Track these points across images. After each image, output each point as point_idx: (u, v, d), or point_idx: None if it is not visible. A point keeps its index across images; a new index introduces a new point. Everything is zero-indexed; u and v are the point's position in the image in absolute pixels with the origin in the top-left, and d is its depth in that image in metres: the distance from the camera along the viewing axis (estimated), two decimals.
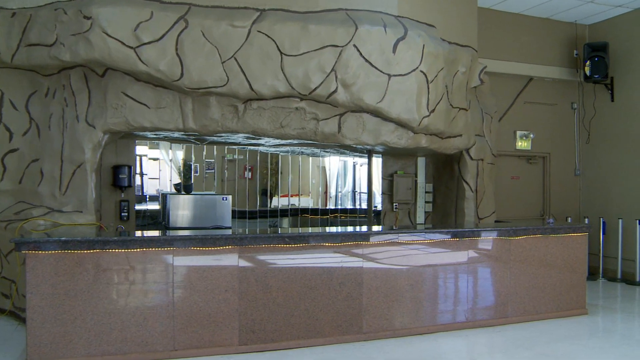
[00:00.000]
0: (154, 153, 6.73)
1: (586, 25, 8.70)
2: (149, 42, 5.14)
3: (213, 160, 7.07)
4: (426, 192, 7.77)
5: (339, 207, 8.15)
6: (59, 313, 3.99)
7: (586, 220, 8.28)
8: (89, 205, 5.45)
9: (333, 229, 5.50)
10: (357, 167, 8.15)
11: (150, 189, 6.67)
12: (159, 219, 6.58)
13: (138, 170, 6.55)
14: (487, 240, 5.40)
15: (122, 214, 6.26)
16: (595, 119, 8.61)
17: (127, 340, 4.12)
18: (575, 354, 4.60)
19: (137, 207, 6.47)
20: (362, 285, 4.77)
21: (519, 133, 8.39)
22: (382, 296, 4.85)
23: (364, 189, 7.80)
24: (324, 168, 8.36)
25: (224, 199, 6.29)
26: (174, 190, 6.74)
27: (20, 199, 5.58)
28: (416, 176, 7.69)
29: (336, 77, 5.51)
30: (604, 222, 8.18)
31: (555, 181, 8.68)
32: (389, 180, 7.61)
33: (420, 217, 7.75)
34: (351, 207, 8.12)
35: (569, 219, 8.35)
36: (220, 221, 6.23)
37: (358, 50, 5.54)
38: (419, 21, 6.17)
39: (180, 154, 6.95)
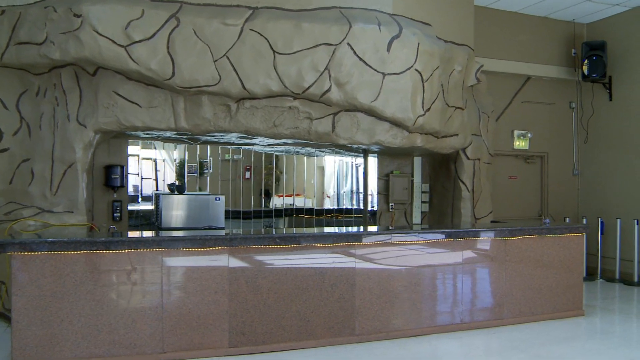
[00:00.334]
0: (151, 153, 6.67)
1: (584, 24, 8.64)
2: (140, 41, 5.08)
3: (207, 160, 7.02)
4: (422, 192, 7.70)
5: (336, 207, 8.08)
6: (46, 315, 3.93)
7: (584, 221, 8.22)
8: (79, 205, 5.39)
9: (326, 230, 5.43)
10: (359, 167, 8.09)
11: (147, 189, 6.61)
12: (153, 220, 6.53)
13: (136, 171, 6.49)
14: (483, 240, 5.34)
15: (115, 214, 6.20)
16: (593, 118, 8.54)
17: (116, 343, 4.06)
18: (571, 356, 4.54)
19: (133, 207, 6.42)
20: (354, 286, 4.71)
21: (516, 132, 8.33)
22: (375, 298, 4.79)
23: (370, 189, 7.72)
24: (322, 168, 8.31)
25: (217, 199, 6.23)
26: (167, 191, 6.68)
27: (10, 199, 5.51)
28: (412, 176, 7.63)
29: (330, 76, 5.45)
30: (602, 222, 8.12)
31: (553, 181, 8.62)
32: (384, 180, 7.55)
33: (416, 218, 7.68)
34: (349, 207, 8.07)
35: (567, 219, 8.28)
36: (213, 221, 6.17)
37: (352, 49, 5.48)
38: (414, 19, 6.10)
39: (177, 154, 6.89)
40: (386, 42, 5.59)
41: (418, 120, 5.86)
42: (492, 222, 7.01)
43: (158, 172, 6.70)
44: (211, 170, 7.03)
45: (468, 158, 7.06)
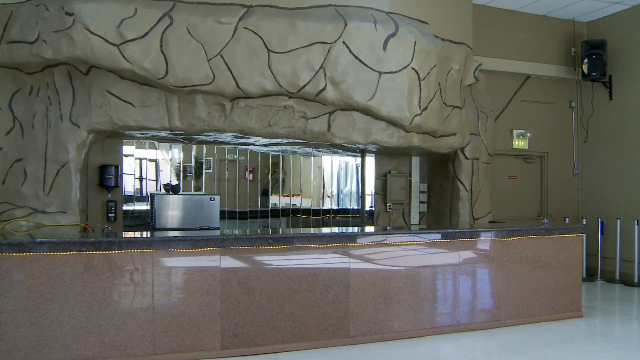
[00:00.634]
0: (152, 154, 6.63)
1: (584, 23, 8.56)
2: (133, 39, 5.03)
3: (204, 160, 6.97)
4: (421, 192, 7.64)
5: (334, 207, 8.02)
6: (34, 317, 3.87)
7: (584, 221, 8.13)
8: (72, 205, 5.34)
9: (320, 230, 5.37)
10: (360, 168, 8.02)
11: (150, 190, 6.56)
12: (148, 220, 6.47)
13: (138, 172, 6.45)
14: (480, 241, 5.27)
15: (109, 214, 6.15)
16: (593, 117, 8.46)
17: (106, 344, 4.01)
18: (568, 359, 4.47)
19: (130, 207, 6.38)
20: (349, 287, 4.65)
21: (515, 132, 8.26)
22: (370, 299, 4.73)
23: (367, 189, 7.65)
24: (321, 168, 8.24)
25: (212, 199, 6.17)
26: (163, 191, 6.63)
27: (3, 199, 5.46)
28: (410, 176, 7.56)
29: (325, 75, 5.39)
30: (602, 223, 8.04)
31: (553, 181, 8.54)
32: (382, 180, 7.49)
33: (414, 218, 7.62)
34: (348, 207, 8.00)
35: (567, 220, 8.20)
36: (208, 222, 6.12)
37: (347, 47, 5.42)
38: (411, 17, 6.04)
39: (177, 154, 6.84)
40: (382, 41, 5.54)
41: (415, 120, 5.80)
42: (490, 222, 6.94)
43: (160, 172, 6.66)
44: (211, 171, 6.98)
45: (466, 158, 6.99)
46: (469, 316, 5.17)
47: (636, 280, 7.60)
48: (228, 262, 4.31)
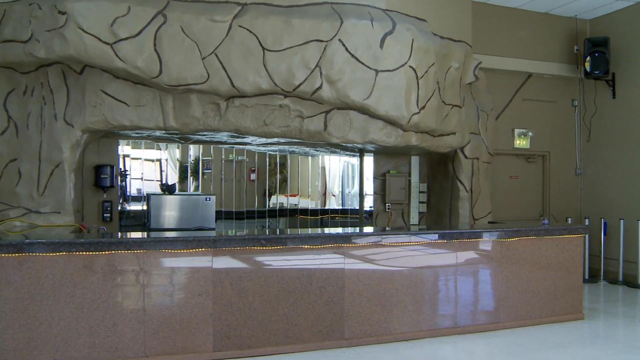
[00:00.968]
0: (154, 154, 6.62)
1: (587, 20, 8.44)
2: (126, 38, 4.99)
3: (202, 159, 6.94)
4: (420, 192, 7.56)
5: (331, 207, 7.95)
6: (24, 318, 3.83)
7: (587, 221, 8.02)
8: (67, 206, 5.31)
9: (314, 231, 5.30)
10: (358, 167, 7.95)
11: (151, 190, 6.54)
12: (145, 220, 6.43)
13: (140, 172, 6.43)
14: (478, 242, 5.18)
15: (105, 214, 6.11)
16: (596, 116, 8.34)
17: (96, 346, 3.96)
18: None
19: (129, 208, 6.35)
20: (343, 289, 4.58)
21: (517, 131, 8.15)
22: (365, 301, 4.65)
23: (366, 189, 7.58)
24: (323, 168, 8.20)
25: (207, 199, 6.12)
26: (159, 191, 6.59)
27: None
28: (410, 176, 7.48)
29: (321, 73, 5.33)
30: (605, 223, 7.91)
31: (555, 181, 8.43)
32: (381, 180, 7.41)
33: (414, 218, 7.54)
34: (349, 208, 7.95)
35: (570, 220, 8.09)
36: (204, 222, 6.07)
37: (344, 45, 5.36)
38: (409, 15, 5.97)
39: (178, 154, 6.83)
40: (379, 38, 5.47)
41: (413, 119, 5.72)
42: (490, 222, 6.84)
43: (162, 173, 6.63)
44: (211, 171, 6.95)
45: (466, 157, 6.90)
46: (467, 318, 5.08)
47: (639, 281, 7.47)
48: (220, 263, 4.25)
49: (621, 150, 7.99)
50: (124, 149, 6.49)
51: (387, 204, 7.33)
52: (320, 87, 5.36)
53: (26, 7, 5.05)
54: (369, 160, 7.44)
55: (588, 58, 7.88)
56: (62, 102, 5.30)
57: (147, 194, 6.41)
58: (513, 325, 5.24)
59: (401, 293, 4.79)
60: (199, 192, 6.69)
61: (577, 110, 8.59)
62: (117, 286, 4.03)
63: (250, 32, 5.18)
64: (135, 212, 6.44)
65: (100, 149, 6.19)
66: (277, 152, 7.51)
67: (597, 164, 8.38)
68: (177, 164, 6.79)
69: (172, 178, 6.69)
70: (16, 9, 5.06)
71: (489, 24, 7.76)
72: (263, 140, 6.28)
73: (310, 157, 7.85)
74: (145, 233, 4.79)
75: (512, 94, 8.16)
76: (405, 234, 4.91)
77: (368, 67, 5.44)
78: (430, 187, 7.53)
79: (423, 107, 5.80)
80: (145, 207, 6.41)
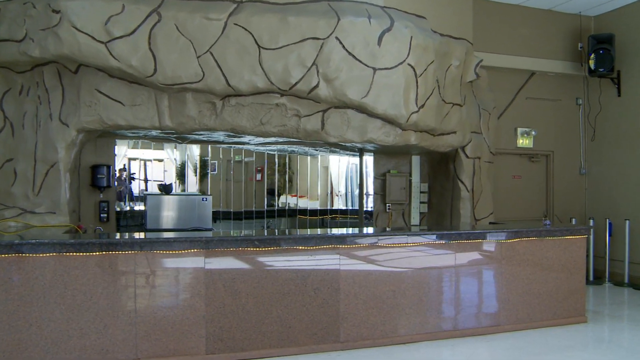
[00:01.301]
0: (160, 154, 6.59)
1: (591, 17, 8.30)
2: (121, 37, 4.95)
3: (211, 160, 6.92)
4: (421, 192, 7.46)
5: (331, 208, 7.88)
6: (13, 320, 3.79)
7: (591, 222, 7.88)
8: (62, 206, 5.27)
9: (309, 231, 5.22)
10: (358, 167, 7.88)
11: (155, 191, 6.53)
12: (143, 221, 6.39)
13: (143, 172, 6.40)
14: (477, 243, 5.08)
15: (102, 215, 6.08)
16: (601, 115, 8.20)
17: (87, 348, 3.91)
18: None
19: (129, 208, 6.34)
20: (339, 291, 4.50)
21: (520, 130, 8.02)
22: (361, 303, 4.57)
23: (367, 189, 7.51)
24: (326, 168, 8.14)
25: (204, 199, 6.06)
26: (157, 191, 6.55)
27: None
28: (410, 175, 7.39)
29: (318, 72, 5.26)
30: (610, 224, 7.77)
31: (559, 180, 8.29)
32: (381, 179, 7.32)
33: (415, 218, 7.44)
34: (352, 208, 7.88)
35: (574, 220, 7.95)
36: (201, 222, 6.01)
37: (341, 43, 5.28)
38: (408, 12, 5.89)
39: (179, 154, 6.80)
40: (377, 36, 5.39)
41: (411, 117, 5.63)
42: (491, 223, 6.74)
43: (165, 173, 6.61)
44: (216, 172, 6.91)
45: (467, 157, 6.80)
46: (466, 321, 4.98)
47: None
48: (213, 264, 4.18)
49: (627, 150, 7.84)
50: (128, 151, 6.48)
51: (387, 204, 7.24)
52: (317, 86, 5.29)
53: (21, 6, 5.02)
54: (368, 160, 7.35)
55: (592, 55, 7.74)
56: (58, 101, 5.27)
57: (144, 194, 6.36)
58: (513, 328, 5.14)
59: (398, 295, 4.70)
60: (203, 192, 6.65)
61: (581, 109, 8.45)
62: (108, 287, 3.97)
63: (246, 30, 5.12)
64: (133, 212, 6.39)
65: (97, 148, 6.15)
66: (283, 153, 7.47)
67: (601, 163, 8.23)
68: (177, 164, 6.76)
69: (173, 179, 6.66)
70: (11, 8, 5.03)
71: (490, 21, 7.65)
72: (261, 139, 6.22)
73: (313, 157, 7.79)
74: (137, 234, 4.73)
75: (514, 93, 8.04)
76: (402, 234, 4.82)
77: (366, 65, 5.36)
78: (431, 187, 7.44)
79: (422, 106, 5.71)
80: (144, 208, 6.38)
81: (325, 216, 7.81)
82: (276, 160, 7.44)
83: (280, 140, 6.23)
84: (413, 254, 4.82)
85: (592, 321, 5.57)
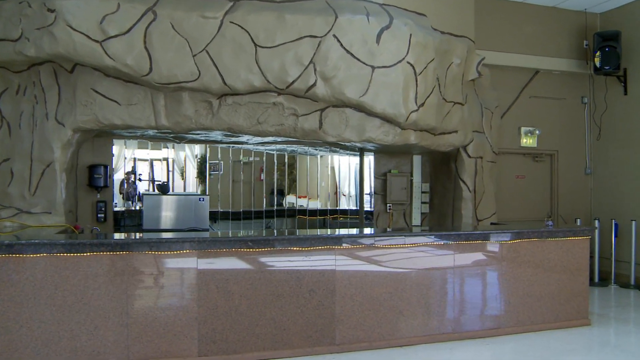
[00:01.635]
0: (163, 153, 6.57)
1: (597, 14, 8.15)
2: (116, 36, 4.91)
3: (218, 161, 6.90)
4: (423, 192, 7.37)
5: (330, 208, 7.81)
6: (3, 321, 3.75)
7: (597, 222, 7.73)
8: (57, 206, 5.24)
9: (303, 232, 5.15)
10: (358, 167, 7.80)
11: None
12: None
13: (148, 171, 6.39)
14: (477, 243, 4.98)
15: (99, 215, 6.04)
16: (606, 113, 8.05)
17: (77, 350, 3.87)
18: None
19: (124, 208, 6.32)
20: (334, 292, 4.42)
21: (523, 129, 7.90)
22: (357, 305, 4.49)
23: (367, 189, 7.44)
24: (332, 168, 8.08)
25: (201, 199, 6.01)
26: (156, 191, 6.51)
27: None
28: (412, 175, 7.29)
29: (315, 70, 5.19)
30: (616, 224, 7.62)
31: (563, 180, 8.15)
32: (382, 179, 7.23)
33: (416, 219, 7.35)
34: (354, 208, 7.81)
35: (579, 221, 7.82)
36: (198, 223, 5.96)
37: (338, 41, 5.21)
38: (407, 9, 5.81)
39: (181, 154, 6.79)
40: (375, 34, 5.31)
41: (411, 116, 5.54)
42: (492, 223, 6.63)
43: (170, 173, 6.58)
44: (221, 172, 6.88)
45: (469, 156, 6.70)
46: (465, 323, 4.89)
47: None
48: (205, 265, 4.13)
49: (633, 149, 7.69)
50: (134, 152, 6.48)
51: (388, 205, 7.14)
52: (314, 84, 5.22)
53: (16, 5, 4.99)
54: (369, 160, 7.27)
55: (598, 53, 7.60)
56: (54, 101, 5.24)
57: (141, 194, 6.33)
58: (514, 331, 5.03)
59: (396, 297, 4.62)
60: (203, 192, 6.61)
61: (586, 108, 8.30)
62: (99, 288, 3.93)
63: (242, 28, 5.06)
64: (131, 212, 6.36)
65: (94, 148, 6.12)
66: (290, 153, 7.44)
67: (607, 163, 8.08)
68: (181, 164, 6.73)
69: (177, 179, 6.63)
70: (6, 7, 5.01)
71: (493, 18, 7.54)
72: (259, 139, 6.16)
73: (319, 157, 7.74)
74: (129, 234, 4.69)
75: (518, 91, 7.92)
76: (400, 235, 4.73)
77: (364, 63, 5.28)
78: (432, 187, 7.34)
79: (422, 105, 5.62)
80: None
81: (326, 216, 7.74)
82: (285, 160, 7.42)
83: (279, 139, 6.17)
84: (411, 255, 4.73)
85: (596, 324, 5.45)
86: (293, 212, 7.46)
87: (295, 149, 7.45)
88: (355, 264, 4.51)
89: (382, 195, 7.24)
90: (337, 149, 7.38)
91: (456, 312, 4.85)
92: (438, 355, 4.49)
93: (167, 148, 6.68)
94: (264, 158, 7.33)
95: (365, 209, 7.28)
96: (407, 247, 4.71)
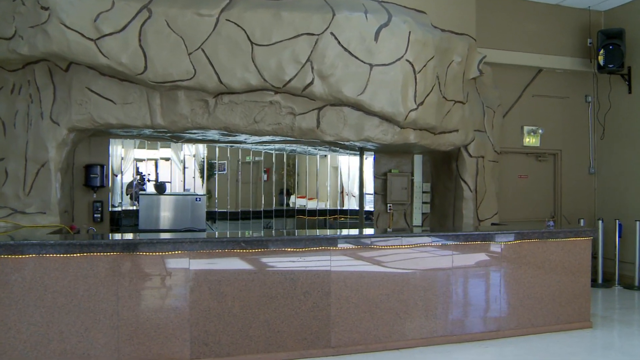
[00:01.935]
0: (165, 153, 6.52)
1: (601, 12, 8.03)
2: (110, 34, 4.85)
3: (225, 161, 6.86)
4: (424, 192, 7.27)
5: (330, 208, 7.74)
6: None
7: (600, 222, 7.61)
8: (52, 206, 5.19)
9: (298, 233, 5.08)
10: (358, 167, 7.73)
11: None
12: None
13: (151, 174, 6.35)
14: (476, 245, 4.88)
15: (95, 215, 6.00)
16: (610, 112, 7.92)
17: (67, 352, 3.81)
18: None
19: (127, 208, 6.28)
20: (329, 294, 4.34)
21: (526, 129, 7.79)
22: (353, 307, 4.41)
23: (367, 189, 7.37)
24: (335, 168, 8.02)
25: (198, 199, 5.95)
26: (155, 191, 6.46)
27: None
28: (412, 175, 7.20)
29: (312, 68, 5.11)
30: (620, 225, 7.49)
31: (567, 180, 8.03)
32: (382, 179, 7.15)
33: (417, 219, 7.26)
34: (352, 208, 7.74)
35: (582, 221, 7.69)
36: (194, 223, 5.90)
37: (336, 39, 5.14)
38: (407, 7, 5.73)
39: (203, 152, 6.75)
40: (373, 31, 5.23)
41: (410, 115, 5.45)
42: (493, 224, 6.53)
43: (172, 173, 6.54)
44: (225, 172, 6.83)
45: (470, 156, 6.60)
46: (464, 326, 4.79)
47: None
48: (197, 266, 4.06)
49: (637, 148, 7.56)
50: (135, 152, 6.43)
51: (388, 205, 7.06)
52: (311, 83, 5.15)
53: (10, 3, 4.95)
54: (369, 159, 7.19)
55: (602, 51, 7.48)
56: (49, 100, 5.20)
57: (139, 194, 6.28)
58: (514, 333, 4.93)
59: (392, 299, 4.53)
60: (209, 192, 6.57)
61: (590, 107, 8.18)
62: (89, 290, 3.87)
63: (238, 26, 5.00)
64: (127, 212, 6.32)
65: (90, 148, 6.08)
66: (292, 153, 7.39)
67: (611, 162, 7.95)
68: (184, 164, 6.69)
69: (180, 178, 6.59)
70: (0, 5, 4.97)
71: (495, 16, 7.43)
72: (256, 138, 6.10)
73: (317, 157, 7.67)
74: (120, 234, 4.62)
75: (521, 90, 7.81)
76: (397, 236, 4.64)
77: (362, 61, 5.20)
78: (433, 186, 7.25)
79: (421, 103, 5.53)
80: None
81: (326, 216, 7.67)
82: (289, 160, 7.36)
83: (277, 139, 6.09)
84: (409, 256, 4.65)
85: (599, 326, 5.34)
86: (293, 213, 7.40)
87: (295, 149, 7.38)
88: (351, 265, 4.43)
89: (383, 195, 7.15)
90: (337, 149, 7.31)
91: (454, 314, 4.75)
92: (436, 358, 4.40)
93: (170, 148, 6.63)
94: (273, 159, 7.29)
95: (366, 209, 7.21)
96: (405, 247, 4.62)
